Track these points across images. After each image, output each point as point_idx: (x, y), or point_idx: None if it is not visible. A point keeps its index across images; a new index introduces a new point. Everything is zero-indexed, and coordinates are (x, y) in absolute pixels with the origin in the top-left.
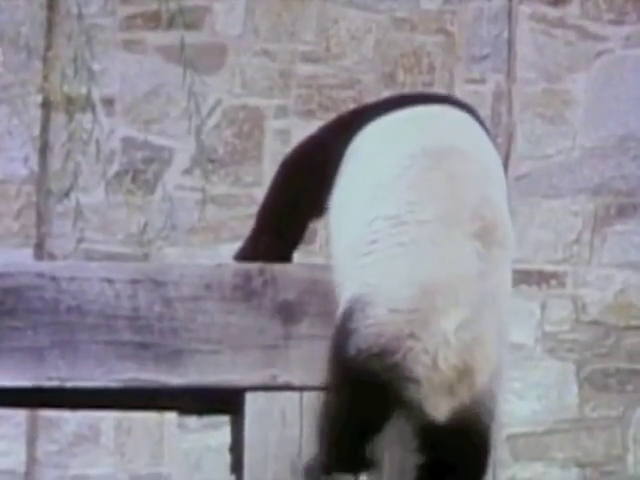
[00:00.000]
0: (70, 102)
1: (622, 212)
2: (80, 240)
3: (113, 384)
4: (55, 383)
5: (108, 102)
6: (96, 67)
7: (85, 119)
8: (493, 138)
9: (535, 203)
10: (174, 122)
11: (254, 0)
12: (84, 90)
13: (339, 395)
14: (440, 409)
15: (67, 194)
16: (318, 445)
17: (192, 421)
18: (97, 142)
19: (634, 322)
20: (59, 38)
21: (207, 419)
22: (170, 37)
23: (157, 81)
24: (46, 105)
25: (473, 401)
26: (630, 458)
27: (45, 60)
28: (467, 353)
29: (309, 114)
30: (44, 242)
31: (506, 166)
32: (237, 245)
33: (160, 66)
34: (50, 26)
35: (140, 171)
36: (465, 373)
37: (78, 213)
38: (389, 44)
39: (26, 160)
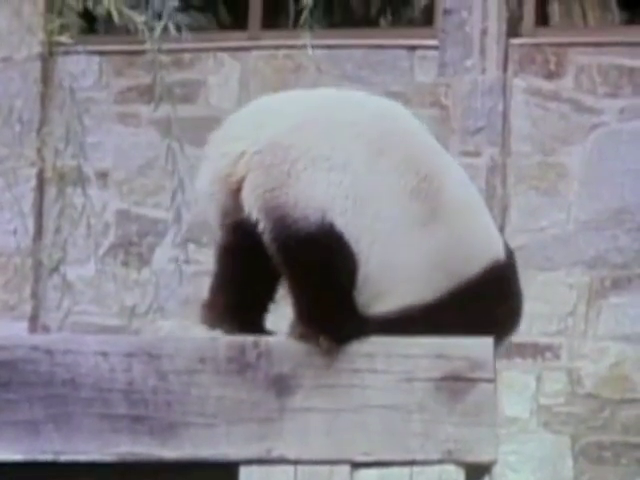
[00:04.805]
0: (62, 177)
1: (617, 285)
2: (68, 314)
3: (107, 457)
4: (49, 456)
5: (102, 175)
6: (90, 140)
7: (77, 193)
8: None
9: (530, 275)
10: (169, 195)
11: (248, 73)
12: (76, 164)
13: None
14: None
15: (56, 268)
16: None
17: None
18: (88, 217)
19: (629, 395)
20: (52, 112)
21: None
22: (164, 110)
23: (151, 154)
24: (39, 178)
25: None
26: None
27: (39, 134)
28: None
29: None
30: (38, 315)
31: None
32: None
33: (154, 139)
34: (44, 100)
35: (134, 244)
36: None
37: (66, 287)
38: None
39: (19, 233)
